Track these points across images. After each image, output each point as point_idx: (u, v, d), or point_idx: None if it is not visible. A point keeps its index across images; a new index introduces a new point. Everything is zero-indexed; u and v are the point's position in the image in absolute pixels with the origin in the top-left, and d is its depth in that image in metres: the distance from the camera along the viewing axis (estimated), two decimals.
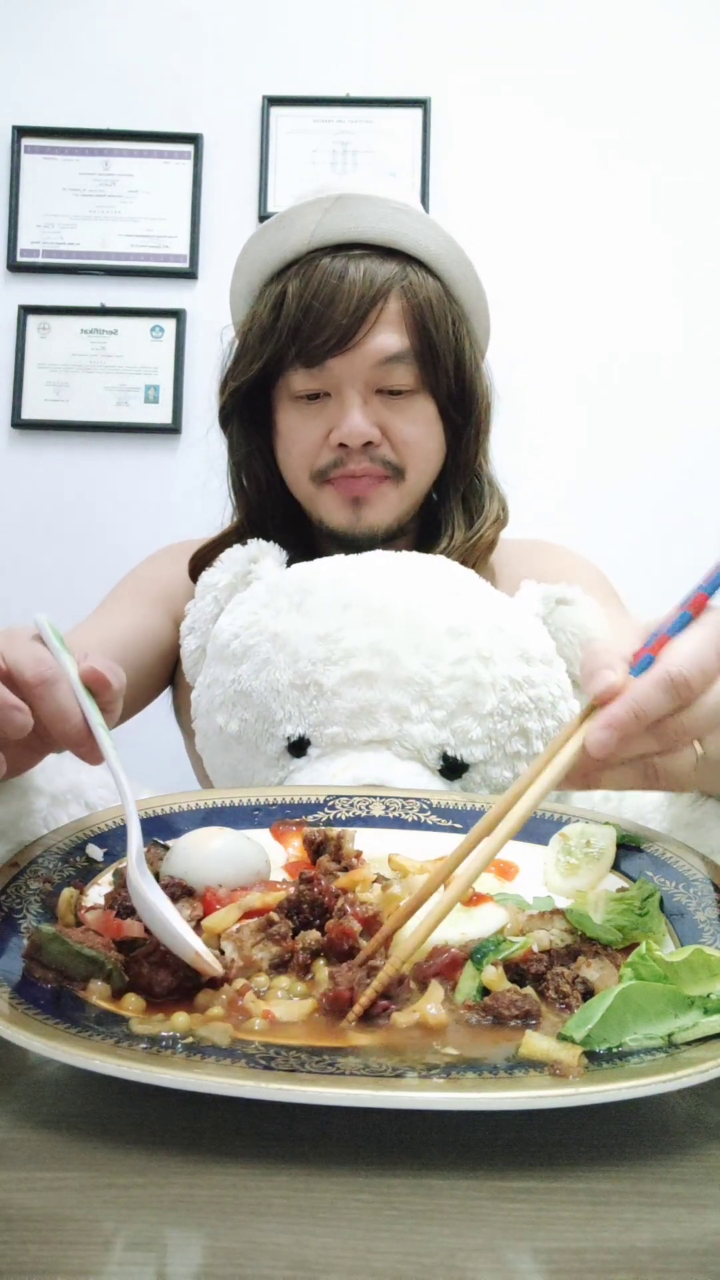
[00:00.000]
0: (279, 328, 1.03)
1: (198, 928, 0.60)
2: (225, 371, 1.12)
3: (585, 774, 0.57)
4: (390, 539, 1.08)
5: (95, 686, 0.62)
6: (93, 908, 0.62)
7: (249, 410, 1.11)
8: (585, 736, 0.55)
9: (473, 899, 0.65)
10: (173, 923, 0.54)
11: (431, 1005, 0.52)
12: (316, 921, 0.59)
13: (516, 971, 0.56)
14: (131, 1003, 0.53)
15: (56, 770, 0.76)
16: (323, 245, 1.03)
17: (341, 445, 1.03)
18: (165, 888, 0.62)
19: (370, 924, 0.59)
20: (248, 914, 0.61)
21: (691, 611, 0.56)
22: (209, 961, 0.54)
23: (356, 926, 0.57)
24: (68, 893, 0.61)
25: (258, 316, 1.06)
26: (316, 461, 1.06)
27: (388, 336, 1.02)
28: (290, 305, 1.02)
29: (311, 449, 1.05)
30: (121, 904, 0.62)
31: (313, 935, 0.58)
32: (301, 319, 1.01)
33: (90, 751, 0.61)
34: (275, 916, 0.59)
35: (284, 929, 0.58)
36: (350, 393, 1.03)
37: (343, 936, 0.57)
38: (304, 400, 1.05)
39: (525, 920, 0.61)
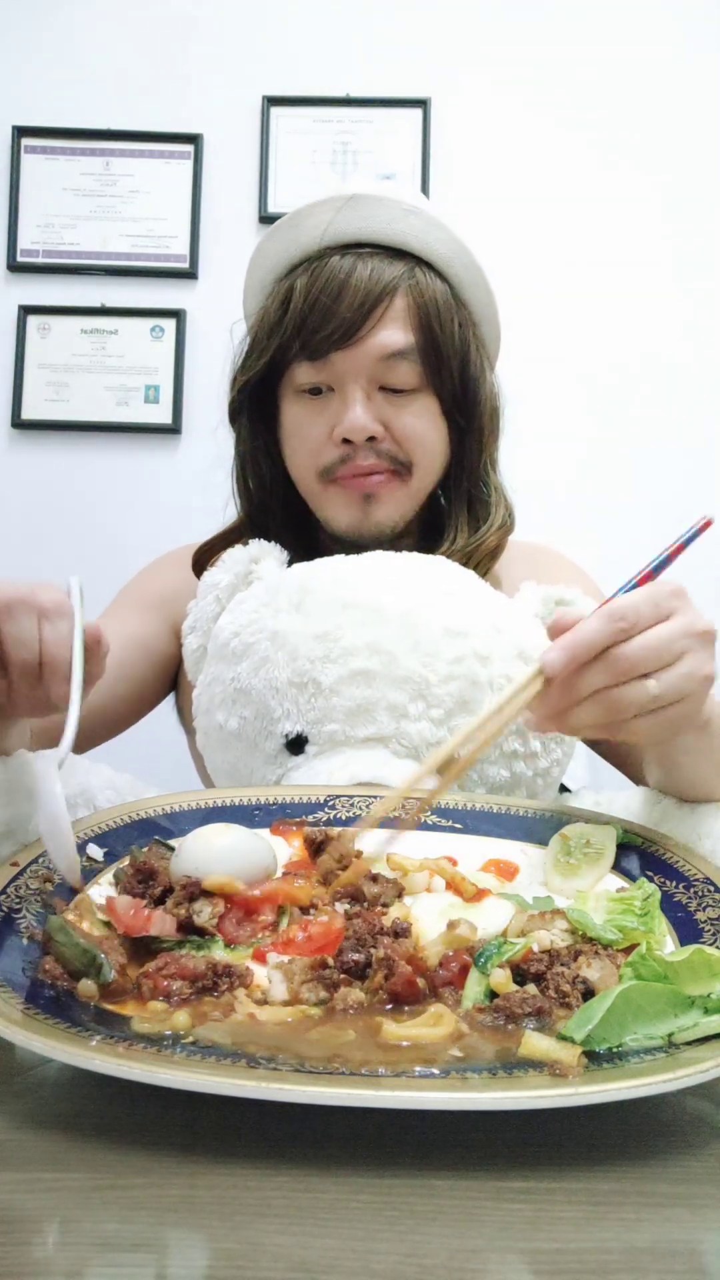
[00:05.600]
0: (285, 321, 1.04)
1: (220, 925, 0.60)
2: (235, 367, 1.12)
3: (555, 713, 0.66)
4: (395, 539, 1.08)
5: (89, 640, 0.72)
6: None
7: (257, 406, 1.12)
8: (541, 658, 0.64)
9: (475, 895, 0.65)
10: (64, 823, 0.63)
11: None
12: (364, 960, 0.58)
13: (517, 971, 0.56)
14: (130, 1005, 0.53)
15: (66, 773, 0.76)
16: (333, 244, 1.04)
17: (345, 441, 1.03)
18: (184, 888, 0.62)
19: (415, 963, 0.57)
20: (268, 897, 0.62)
21: (638, 582, 0.69)
22: (76, 874, 0.64)
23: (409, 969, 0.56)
24: (85, 898, 0.62)
25: (267, 312, 1.07)
26: (322, 459, 1.05)
27: (392, 333, 1.02)
28: (298, 300, 1.03)
29: (316, 445, 1.05)
30: (151, 896, 0.62)
31: (355, 995, 0.55)
32: (307, 313, 1.02)
33: (63, 684, 0.70)
34: (330, 960, 0.57)
35: (334, 977, 0.56)
36: (353, 387, 1.03)
37: (408, 987, 0.55)
38: (307, 395, 1.05)
39: (526, 920, 0.61)
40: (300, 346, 1.03)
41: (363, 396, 1.03)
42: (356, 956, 0.57)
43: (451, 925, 0.60)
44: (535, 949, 0.58)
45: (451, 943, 0.59)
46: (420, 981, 0.56)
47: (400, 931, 0.59)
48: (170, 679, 1.20)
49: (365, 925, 0.59)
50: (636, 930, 0.61)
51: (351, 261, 1.02)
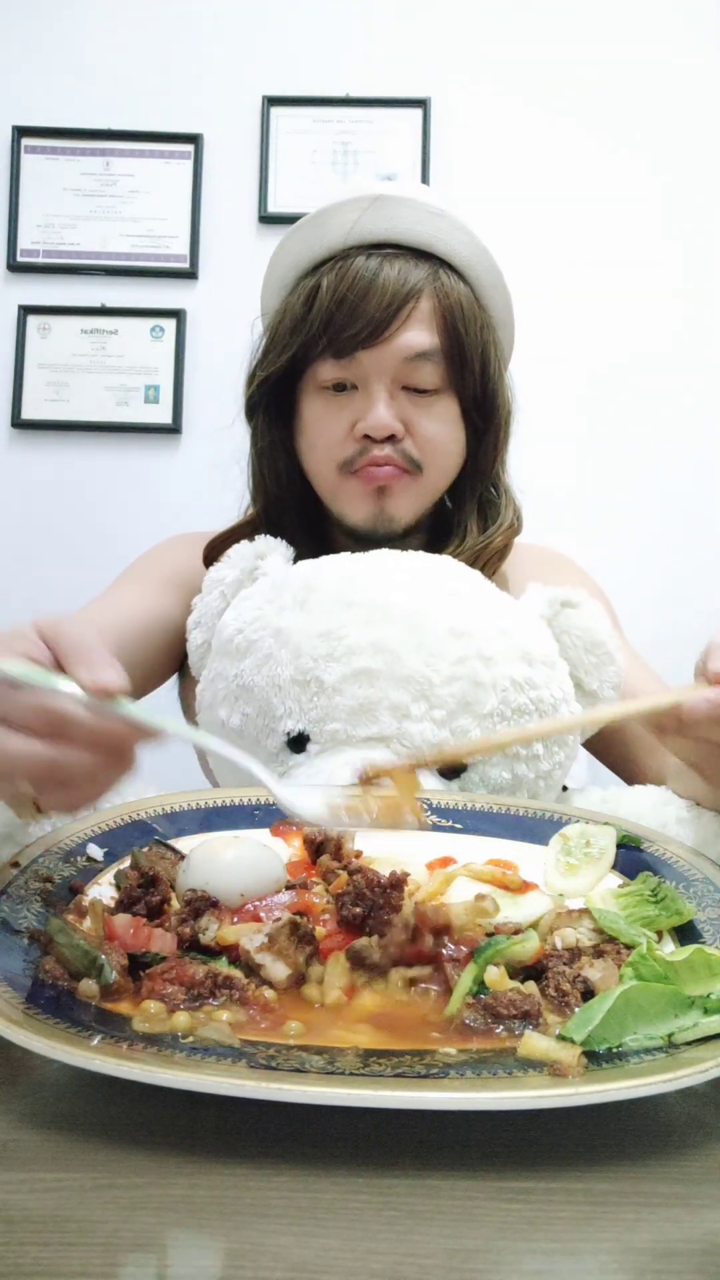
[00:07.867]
0: (311, 319, 1.04)
1: (227, 947, 0.59)
2: (254, 363, 1.13)
3: (663, 728, 0.66)
4: (405, 535, 1.08)
5: (102, 696, 0.57)
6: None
7: (275, 402, 1.12)
8: (685, 698, 0.63)
9: (521, 887, 0.65)
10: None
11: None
12: (367, 913, 0.58)
13: (530, 967, 0.56)
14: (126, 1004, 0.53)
15: None
16: (358, 244, 1.05)
17: (366, 437, 1.04)
18: (188, 903, 0.61)
19: (423, 920, 0.58)
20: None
21: None
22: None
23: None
24: (97, 901, 0.62)
25: (290, 308, 1.07)
26: (340, 453, 1.06)
27: (418, 333, 1.03)
28: (324, 297, 1.03)
29: (336, 440, 1.06)
30: (148, 902, 0.62)
31: (367, 943, 0.56)
32: (335, 310, 1.02)
33: (144, 738, 0.58)
34: (299, 920, 0.58)
35: (308, 928, 0.57)
36: (377, 386, 1.03)
37: (419, 956, 0.56)
38: (330, 391, 1.06)
39: (554, 918, 0.62)
40: (326, 344, 1.03)
41: (386, 395, 1.03)
42: (357, 909, 0.58)
43: (479, 898, 0.60)
44: (559, 945, 0.58)
45: (473, 913, 0.59)
46: (429, 940, 0.56)
47: (396, 884, 0.59)
48: (180, 657, 1.20)
49: (364, 879, 0.60)
50: (661, 917, 0.61)
51: (378, 261, 1.03)
